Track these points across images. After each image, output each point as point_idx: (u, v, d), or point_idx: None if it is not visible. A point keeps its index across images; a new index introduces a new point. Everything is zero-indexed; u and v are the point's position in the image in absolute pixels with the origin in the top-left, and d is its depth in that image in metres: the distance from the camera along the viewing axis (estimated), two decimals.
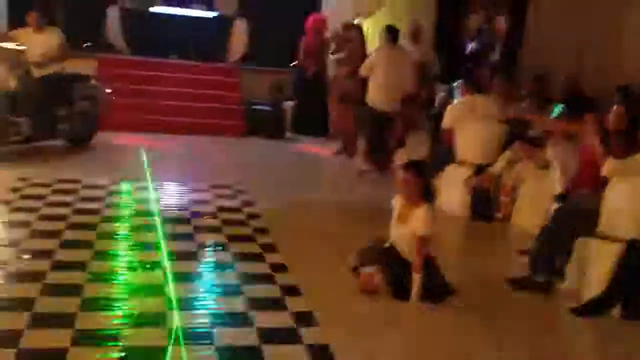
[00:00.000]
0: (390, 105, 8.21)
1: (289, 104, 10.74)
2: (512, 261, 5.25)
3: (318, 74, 10.21)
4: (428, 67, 9.25)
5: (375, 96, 8.24)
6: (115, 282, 4.25)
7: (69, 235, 5.01)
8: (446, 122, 6.82)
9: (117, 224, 5.37)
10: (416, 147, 8.47)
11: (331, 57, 10.04)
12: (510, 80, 7.23)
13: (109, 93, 8.72)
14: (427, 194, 4.30)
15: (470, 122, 6.56)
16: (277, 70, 11.29)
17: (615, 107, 5.17)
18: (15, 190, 5.99)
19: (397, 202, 4.44)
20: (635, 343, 4.07)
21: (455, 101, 6.79)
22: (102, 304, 3.89)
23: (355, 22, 10.29)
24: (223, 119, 10.39)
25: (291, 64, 11.18)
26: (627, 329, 4.22)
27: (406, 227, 4.30)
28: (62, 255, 4.59)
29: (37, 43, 7.90)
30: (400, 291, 4.27)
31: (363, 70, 8.33)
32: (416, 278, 4.21)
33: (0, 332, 3.47)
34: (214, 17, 12.22)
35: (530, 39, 9.84)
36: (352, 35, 9.59)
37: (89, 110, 8.25)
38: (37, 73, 7.82)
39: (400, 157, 8.32)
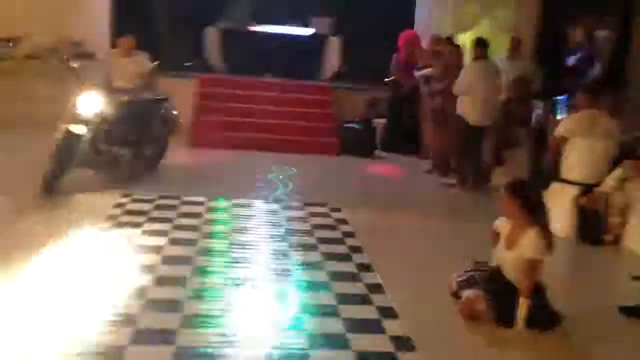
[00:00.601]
0: (483, 119, 7.99)
1: (380, 122, 10.62)
2: (624, 288, 4.91)
3: (412, 91, 10.04)
4: (528, 81, 8.91)
5: (469, 110, 8.03)
6: (214, 299, 4.27)
7: (171, 251, 5.10)
8: (561, 130, 6.40)
9: (214, 240, 5.41)
10: (515, 165, 8.19)
11: (416, 73, 9.83)
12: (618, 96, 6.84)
13: (177, 114, 8.33)
14: (537, 215, 4.08)
15: (582, 138, 6.20)
16: (370, 88, 11.23)
17: None
18: (119, 205, 6.16)
19: (503, 224, 4.24)
20: None
21: (573, 114, 6.39)
22: (201, 321, 3.91)
23: (446, 36, 10.06)
24: (316, 137, 10.40)
25: (385, 81, 11.09)
26: None
27: (513, 251, 4.09)
28: (164, 271, 4.68)
29: (125, 68, 7.85)
30: (505, 317, 4.06)
31: (457, 89, 8.10)
32: (523, 303, 3.99)
33: (105, 346, 3.54)
34: (309, 35, 12.34)
35: (636, 54, 9.38)
36: (441, 49, 9.40)
37: (162, 133, 7.91)
38: (118, 100, 7.34)
39: (499, 177, 8.08)
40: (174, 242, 5.27)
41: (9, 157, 7.52)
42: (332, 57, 12.20)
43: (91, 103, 6.59)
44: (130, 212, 5.95)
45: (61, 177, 6.36)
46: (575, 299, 4.61)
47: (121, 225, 5.60)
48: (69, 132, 6.40)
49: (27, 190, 6.19)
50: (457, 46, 9.40)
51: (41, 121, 9.29)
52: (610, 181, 6.04)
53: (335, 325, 3.98)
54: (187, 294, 4.27)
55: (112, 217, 5.77)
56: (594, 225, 6.11)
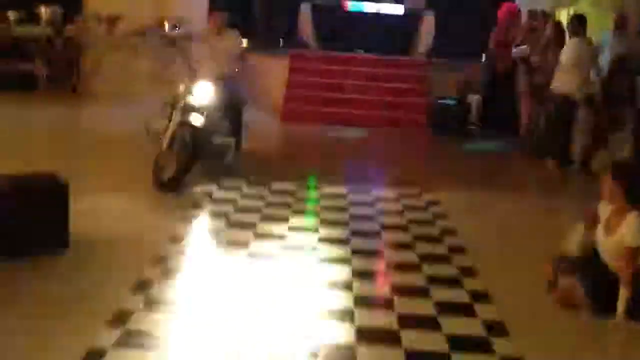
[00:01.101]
0: (578, 90, 7.75)
1: (474, 98, 10.36)
2: None
3: (509, 68, 9.73)
4: (632, 58, 8.45)
5: (564, 83, 7.82)
6: None
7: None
8: None
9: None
10: (619, 147, 7.82)
11: (514, 51, 9.52)
12: None
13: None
14: (638, 201, 3.90)
15: None
16: (465, 65, 10.97)
17: None
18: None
19: (603, 209, 4.08)
20: None
21: None
22: None
23: (546, 10, 9.65)
24: (410, 113, 10.32)
25: (482, 60, 10.80)
26: None
27: (614, 237, 3.93)
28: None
29: (214, 47, 7.04)
30: (604, 307, 3.92)
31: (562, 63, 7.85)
32: (624, 293, 3.83)
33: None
34: (402, 12, 12.18)
35: None
36: (538, 24, 9.04)
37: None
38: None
39: (601, 159, 7.76)
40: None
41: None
42: (426, 34, 12.01)
43: (207, 91, 6.27)
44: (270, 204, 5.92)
45: (186, 174, 5.99)
46: None
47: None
48: (186, 123, 6.02)
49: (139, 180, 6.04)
50: (558, 22, 9.04)
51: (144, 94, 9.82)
52: None
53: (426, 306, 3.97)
54: None
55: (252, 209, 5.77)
56: None
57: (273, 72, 10.80)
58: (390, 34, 11.94)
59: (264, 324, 3.63)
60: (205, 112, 6.17)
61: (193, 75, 6.37)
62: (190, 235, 5.09)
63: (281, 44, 12.34)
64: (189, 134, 5.98)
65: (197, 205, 5.69)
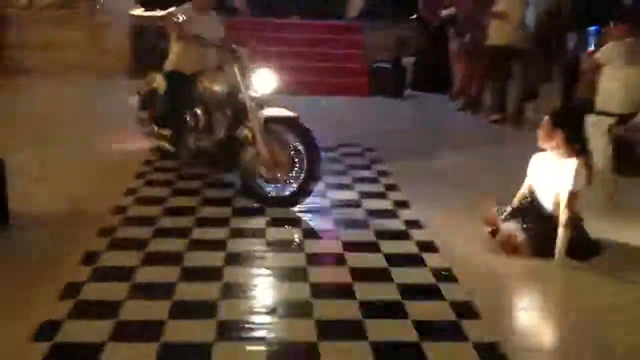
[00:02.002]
0: (512, 39, 8.00)
1: (409, 60, 10.49)
2: None
3: (439, 28, 9.87)
4: (559, 12, 8.71)
5: (498, 32, 8.08)
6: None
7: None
8: (599, 56, 6.27)
9: None
10: (547, 99, 8.11)
11: (441, 12, 9.66)
12: None
13: None
14: (578, 146, 4.07)
15: (620, 67, 6.09)
16: (398, 26, 11.05)
17: None
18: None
19: (541, 157, 4.23)
20: None
21: (611, 42, 6.25)
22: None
23: None
24: (346, 77, 10.33)
25: (411, 18, 10.90)
26: None
27: (553, 183, 4.09)
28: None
29: (204, 31, 5.60)
30: (544, 249, 4.10)
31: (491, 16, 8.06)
32: (562, 234, 4.02)
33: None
34: None
35: None
36: None
37: None
38: (186, 68, 5.68)
39: (531, 111, 8.03)
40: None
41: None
42: None
43: (269, 79, 5.11)
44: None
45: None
46: (613, 230, 4.60)
47: None
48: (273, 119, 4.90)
49: None
50: None
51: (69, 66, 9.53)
52: None
53: (376, 259, 4.07)
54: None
55: None
56: (630, 156, 6.05)
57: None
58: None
59: (219, 284, 3.65)
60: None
61: (238, 60, 5.07)
62: (135, 204, 5.02)
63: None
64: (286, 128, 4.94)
65: (140, 176, 5.62)
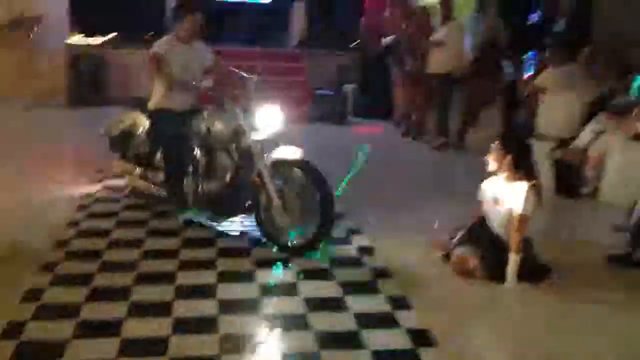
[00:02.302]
0: (453, 68, 8.21)
1: (350, 87, 10.58)
2: (607, 238, 5.01)
3: (381, 55, 10.00)
4: (496, 39, 8.96)
5: (436, 61, 8.29)
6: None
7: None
8: (540, 81, 6.48)
9: None
10: (488, 124, 8.29)
11: (383, 41, 9.83)
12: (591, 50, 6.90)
13: None
14: (528, 169, 4.13)
15: (559, 93, 6.28)
16: (340, 53, 11.14)
17: None
18: None
19: (491, 182, 4.28)
20: None
21: (550, 69, 6.45)
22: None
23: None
24: (289, 105, 10.27)
25: (352, 45, 11.01)
26: None
27: (502, 207, 4.14)
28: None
29: (190, 63, 5.02)
30: (496, 272, 4.12)
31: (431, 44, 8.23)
32: (513, 259, 4.05)
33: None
34: (271, 2, 12.19)
35: (599, 8, 9.45)
36: (402, 11, 9.39)
37: None
38: (174, 105, 5.04)
39: (473, 135, 8.19)
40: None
41: None
42: (297, 23, 12.07)
43: (274, 119, 4.79)
44: None
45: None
46: (560, 251, 4.69)
47: None
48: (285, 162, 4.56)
49: None
50: (424, 7, 9.44)
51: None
52: (585, 134, 6.14)
53: (332, 289, 4.01)
54: None
55: None
56: (571, 178, 6.22)
57: (146, 68, 10.46)
58: (262, 25, 11.90)
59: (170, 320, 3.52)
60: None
61: (244, 98, 4.78)
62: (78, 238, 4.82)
63: (150, 40, 11.94)
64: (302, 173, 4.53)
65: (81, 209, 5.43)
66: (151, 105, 5.13)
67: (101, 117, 6.09)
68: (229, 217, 4.96)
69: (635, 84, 6.67)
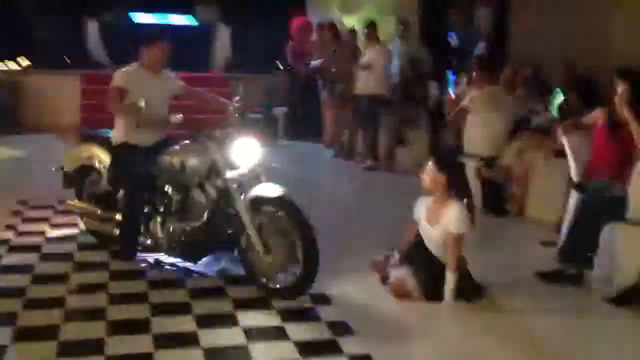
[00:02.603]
0: (380, 90, 8.36)
1: (280, 110, 10.58)
2: (536, 254, 5.15)
3: (308, 78, 10.06)
4: (420, 62, 9.18)
5: (363, 83, 8.43)
6: None
7: None
8: (466, 103, 6.61)
9: None
10: (416, 144, 8.43)
11: (311, 64, 9.91)
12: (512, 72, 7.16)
13: None
14: (461, 189, 4.19)
15: (483, 113, 6.45)
16: (265, 76, 11.12)
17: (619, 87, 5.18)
18: None
19: (425, 202, 4.32)
20: None
21: (475, 90, 6.63)
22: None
23: (329, 23, 10.15)
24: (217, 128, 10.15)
25: (280, 68, 11.02)
26: None
27: (437, 227, 4.18)
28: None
29: (157, 94, 4.70)
30: (433, 292, 4.15)
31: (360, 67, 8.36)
32: (451, 278, 4.09)
33: None
34: (195, 25, 12.07)
35: (515, 30, 9.82)
36: (327, 36, 9.51)
37: None
38: (141, 140, 4.69)
39: (401, 156, 8.31)
40: None
41: None
42: (222, 47, 11.99)
43: (251, 153, 4.44)
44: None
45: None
46: (491, 269, 4.77)
47: None
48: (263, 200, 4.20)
49: None
50: (351, 30, 9.58)
51: None
52: (509, 153, 6.33)
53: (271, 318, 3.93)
54: None
55: None
56: (497, 196, 6.38)
57: (64, 93, 10.16)
58: (185, 48, 11.72)
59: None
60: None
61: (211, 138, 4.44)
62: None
63: (69, 63, 11.60)
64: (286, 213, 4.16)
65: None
66: (114, 139, 4.72)
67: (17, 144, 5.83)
68: (200, 258, 4.59)
69: (554, 103, 6.96)
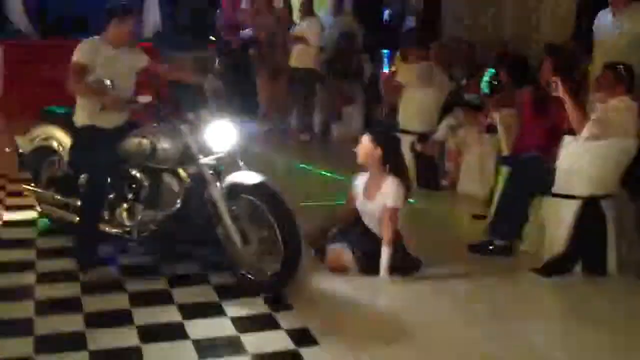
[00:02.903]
0: (312, 62, 8.33)
1: (211, 85, 10.35)
2: (468, 227, 5.27)
3: (242, 49, 9.88)
4: (353, 37, 9.16)
5: (297, 56, 8.36)
6: None
7: None
8: (399, 77, 6.64)
9: None
10: (352, 118, 8.47)
11: (241, 34, 9.78)
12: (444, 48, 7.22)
13: None
14: (397, 164, 4.23)
15: (418, 89, 6.51)
16: (196, 47, 10.87)
17: (544, 64, 5.37)
18: None
19: (362, 178, 4.34)
20: (596, 297, 4.20)
21: (409, 65, 6.65)
22: None
23: None
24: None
25: (209, 40, 10.79)
26: (589, 284, 4.34)
27: (374, 201, 4.21)
28: None
29: (124, 70, 4.30)
30: (370, 267, 4.20)
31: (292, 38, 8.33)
32: (386, 252, 4.14)
33: None
34: None
35: (445, 13, 9.95)
36: (260, 6, 9.39)
37: None
38: (107, 122, 4.26)
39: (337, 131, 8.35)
40: None
41: None
42: (152, 14, 11.63)
43: (227, 136, 4.12)
44: None
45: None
46: (426, 240, 4.83)
47: None
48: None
49: None
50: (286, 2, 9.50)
51: None
52: (442, 129, 6.43)
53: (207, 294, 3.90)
54: None
55: None
56: (431, 171, 6.49)
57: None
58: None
59: None
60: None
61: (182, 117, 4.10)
62: None
63: None
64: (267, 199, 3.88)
65: None
66: (78, 121, 4.30)
67: None
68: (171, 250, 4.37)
69: (485, 80, 7.08)
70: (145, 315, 3.61)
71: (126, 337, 3.37)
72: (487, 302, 4.02)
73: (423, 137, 6.50)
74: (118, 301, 3.78)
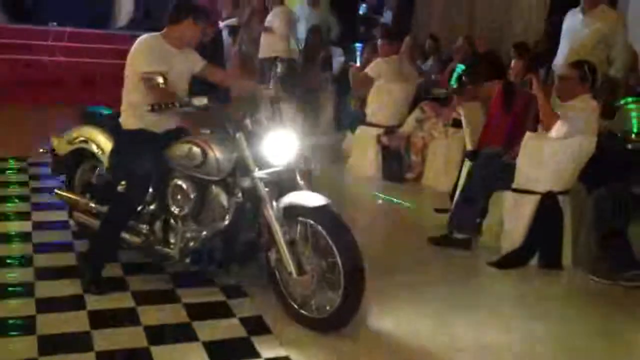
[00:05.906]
0: (281, 52, 8.26)
1: None
2: (429, 220, 5.29)
3: (216, 39, 9.82)
4: (327, 30, 9.17)
5: (266, 46, 8.44)
6: None
7: None
8: (369, 70, 6.62)
9: None
10: (323, 107, 8.46)
11: (221, 24, 9.72)
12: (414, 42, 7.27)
13: None
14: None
15: (387, 82, 6.52)
16: None
17: (513, 61, 5.62)
18: None
19: None
20: (549, 289, 4.27)
21: (380, 59, 6.65)
22: None
23: None
24: (118, 89, 9.80)
25: None
26: (543, 277, 4.40)
27: None
28: None
29: (181, 71, 3.92)
30: None
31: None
32: None
33: None
34: None
35: (424, 3, 10.01)
36: None
37: None
38: (157, 126, 3.89)
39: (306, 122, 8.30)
40: None
41: None
42: (125, 4, 11.51)
43: (285, 148, 3.57)
44: None
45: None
46: (386, 232, 4.87)
47: None
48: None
49: None
50: None
51: None
52: (409, 122, 6.46)
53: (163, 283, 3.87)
54: None
55: None
56: (396, 164, 6.51)
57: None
58: (87, 5, 11.17)
59: None
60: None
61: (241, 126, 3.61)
62: None
63: None
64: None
65: None
66: (126, 123, 3.89)
67: None
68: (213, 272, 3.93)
69: (453, 75, 7.13)
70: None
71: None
72: (443, 293, 4.04)
73: (390, 131, 6.53)
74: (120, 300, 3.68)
